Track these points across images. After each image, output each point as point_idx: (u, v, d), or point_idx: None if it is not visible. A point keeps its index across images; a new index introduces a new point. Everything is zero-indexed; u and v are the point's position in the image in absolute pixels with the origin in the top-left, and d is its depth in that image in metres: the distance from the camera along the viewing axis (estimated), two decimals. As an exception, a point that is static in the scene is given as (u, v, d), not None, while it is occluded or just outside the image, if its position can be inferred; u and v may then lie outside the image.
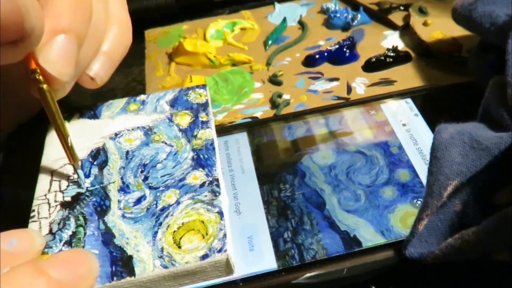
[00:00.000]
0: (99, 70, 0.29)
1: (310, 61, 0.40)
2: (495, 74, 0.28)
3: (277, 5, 0.47)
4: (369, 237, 0.26)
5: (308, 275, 0.25)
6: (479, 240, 0.22)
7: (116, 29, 0.30)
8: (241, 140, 0.32)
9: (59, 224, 0.25)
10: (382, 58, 0.39)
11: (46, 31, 0.24)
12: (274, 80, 0.39)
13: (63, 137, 0.26)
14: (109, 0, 0.31)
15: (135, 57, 0.44)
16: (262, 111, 0.37)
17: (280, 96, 0.37)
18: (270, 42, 0.43)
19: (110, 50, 0.30)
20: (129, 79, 0.43)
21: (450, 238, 0.23)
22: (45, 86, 0.25)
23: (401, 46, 0.41)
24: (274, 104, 0.37)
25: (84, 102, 0.40)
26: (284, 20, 0.45)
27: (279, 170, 0.30)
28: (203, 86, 0.32)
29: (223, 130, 0.33)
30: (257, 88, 0.39)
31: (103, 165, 0.28)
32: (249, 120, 0.36)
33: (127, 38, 0.31)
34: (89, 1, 0.27)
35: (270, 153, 0.31)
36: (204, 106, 0.30)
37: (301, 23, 0.45)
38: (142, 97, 0.32)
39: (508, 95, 0.26)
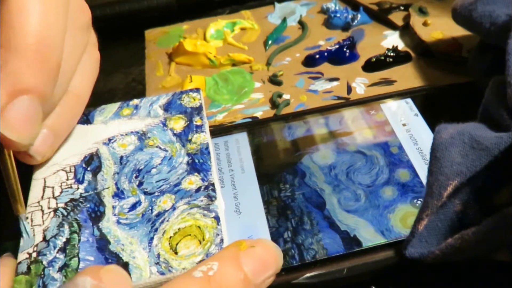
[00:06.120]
0: (40, 147, 0.26)
1: (310, 61, 0.40)
2: (495, 74, 0.28)
3: (277, 5, 0.47)
4: (369, 237, 0.26)
5: (308, 275, 0.25)
6: (479, 240, 0.22)
7: (65, 102, 0.27)
8: (241, 140, 0.32)
9: (52, 231, 0.25)
10: (382, 58, 0.39)
11: (5, 92, 0.22)
12: (274, 80, 0.39)
13: (10, 188, 0.25)
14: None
15: (135, 57, 0.44)
16: (262, 111, 0.37)
17: (280, 96, 0.37)
18: (270, 42, 0.43)
19: (55, 124, 0.27)
20: (129, 79, 0.43)
21: (450, 238, 0.23)
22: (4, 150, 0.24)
23: (401, 46, 0.41)
24: (274, 104, 0.37)
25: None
26: (284, 20, 0.45)
27: (279, 170, 0.30)
28: (197, 90, 0.32)
29: (223, 130, 0.33)
30: (257, 88, 0.39)
31: (96, 170, 0.27)
32: (249, 120, 0.36)
33: (75, 114, 0.28)
34: (58, 51, 0.24)
35: (270, 153, 0.31)
36: (198, 110, 0.30)
37: (301, 23, 0.45)
38: (135, 101, 0.31)
39: (508, 95, 0.26)
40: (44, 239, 0.24)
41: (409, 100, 0.34)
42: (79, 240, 0.24)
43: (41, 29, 0.23)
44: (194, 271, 0.20)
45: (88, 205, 0.26)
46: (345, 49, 0.40)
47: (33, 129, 0.24)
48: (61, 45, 0.25)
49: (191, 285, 0.20)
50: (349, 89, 0.37)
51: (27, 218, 0.25)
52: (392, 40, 0.42)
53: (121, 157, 0.28)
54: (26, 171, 0.28)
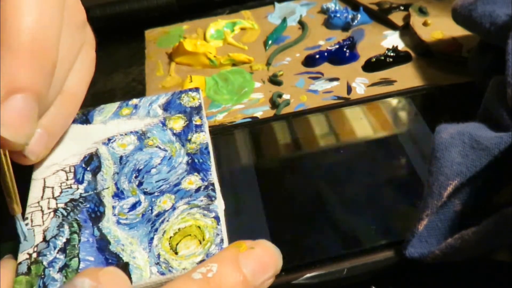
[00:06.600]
0: (34, 147, 0.26)
1: (310, 61, 0.40)
2: (495, 74, 0.28)
3: (277, 5, 0.47)
4: (369, 237, 0.26)
5: (308, 275, 0.25)
6: (479, 240, 0.22)
7: (60, 102, 0.27)
8: (241, 140, 0.32)
9: (53, 231, 0.25)
10: (382, 58, 0.39)
11: (1, 91, 0.22)
12: (274, 80, 0.39)
13: (6, 188, 0.24)
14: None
15: (135, 57, 0.44)
16: (262, 111, 0.37)
17: (280, 96, 0.37)
18: (270, 42, 0.43)
19: (49, 123, 0.27)
20: (129, 79, 0.43)
21: (450, 238, 0.23)
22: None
23: (401, 46, 0.41)
24: (274, 104, 0.37)
25: (84, 101, 0.40)
26: (284, 20, 0.45)
27: (279, 170, 0.30)
28: (196, 89, 0.32)
29: (223, 130, 0.33)
30: (257, 88, 0.39)
31: (96, 170, 0.27)
32: (249, 120, 0.36)
33: (70, 114, 0.28)
34: (53, 50, 0.24)
35: (270, 153, 0.31)
36: (198, 109, 0.30)
37: (301, 23, 0.45)
38: (135, 101, 0.31)
39: (508, 95, 0.26)
40: (44, 239, 0.24)
41: (409, 100, 0.34)
42: (79, 240, 0.24)
43: (36, 28, 0.23)
44: (193, 272, 0.20)
45: (88, 205, 0.26)
46: (345, 49, 0.40)
47: (29, 128, 0.24)
48: (57, 44, 0.24)
49: (190, 287, 0.20)
50: (349, 89, 0.37)
51: (26, 218, 0.25)
52: (392, 40, 0.42)
53: (121, 157, 0.28)
54: (26, 171, 0.28)
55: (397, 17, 0.43)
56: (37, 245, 0.24)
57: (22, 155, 0.26)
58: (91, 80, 0.29)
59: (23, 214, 0.25)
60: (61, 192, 0.26)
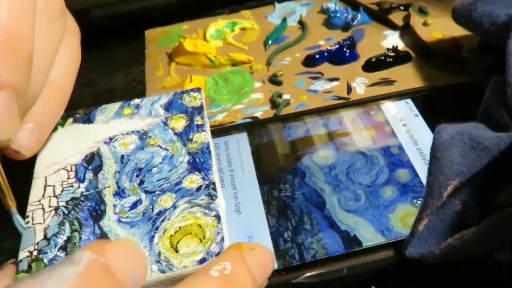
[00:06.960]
0: (26, 142, 0.26)
1: (310, 61, 0.40)
2: (495, 74, 0.28)
3: (277, 5, 0.47)
4: (369, 236, 0.26)
5: (308, 274, 0.25)
6: (479, 240, 0.22)
7: (46, 94, 0.27)
8: (241, 140, 0.32)
9: (53, 229, 0.25)
10: (382, 58, 0.39)
11: None
12: (274, 80, 0.39)
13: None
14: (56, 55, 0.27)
15: (135, 57, 0.44)
16: (262, 111, 0.37)
17: (280, 96, 0.37)
18: (270, 42, 0.43)
19: (39, 117, 0.26)
20: (129, 79, 0.43)
21: (450, 238, 0.23)
22: None
23: (401, 46, 0.41)
24: (274, 104, 0.37)
25: (84, 101, 0.40)
26: (284, 20, 0.45)
27: (279, 170, 0.30)
28: (198, 90, 0.32)
29: (223, 130, 0.33)
30: (257, 88, 0.39)
31: (97, 169, 0.27)
32: (249, 120, 0.36)
33: (59, 105, 0.28)
34: (28, 43, 0.23)
35: (270, 153, 0.31)
36: (199, 109, 0.30)
37: (301, 23, 0.45)
38: (136, 101, 0.31)
39: (508, 95, 0.26)
40: (45, 237, 0.24)
41: (409, 100, 0.34)
42: (80, 238, 0.24)
43: (9, 22, 0.23)
44: (209, 270, 0.20)
45: (89, 204, 0.26)
46: (345, 49, 0.40)
47: (10, 124, 0.23)
48: (32, 36, 0.24)
49: (209, 284, 0.19)
50: (349, 89, 0.37)
51: (27, 216, 0.25)
52: (392, 40, 0.42)
53: (122, 156, 0.28)
54: (27, 170, 0.28)
55: (397, 17, 0.43)
56: (37, 243, 0.24)
57: (14, 151, 0.25)
58: (78, 69, 0.29)
59: (24, 212, 0.25)
60: (62, 191, 0.26)
